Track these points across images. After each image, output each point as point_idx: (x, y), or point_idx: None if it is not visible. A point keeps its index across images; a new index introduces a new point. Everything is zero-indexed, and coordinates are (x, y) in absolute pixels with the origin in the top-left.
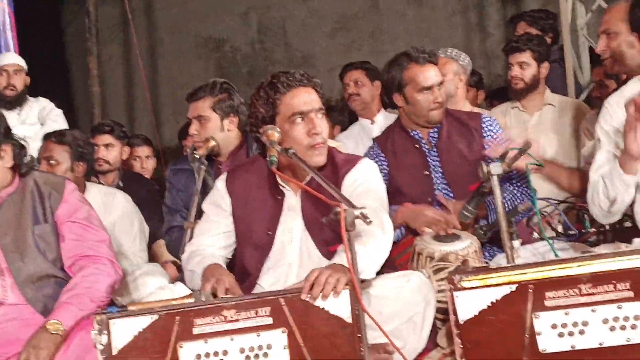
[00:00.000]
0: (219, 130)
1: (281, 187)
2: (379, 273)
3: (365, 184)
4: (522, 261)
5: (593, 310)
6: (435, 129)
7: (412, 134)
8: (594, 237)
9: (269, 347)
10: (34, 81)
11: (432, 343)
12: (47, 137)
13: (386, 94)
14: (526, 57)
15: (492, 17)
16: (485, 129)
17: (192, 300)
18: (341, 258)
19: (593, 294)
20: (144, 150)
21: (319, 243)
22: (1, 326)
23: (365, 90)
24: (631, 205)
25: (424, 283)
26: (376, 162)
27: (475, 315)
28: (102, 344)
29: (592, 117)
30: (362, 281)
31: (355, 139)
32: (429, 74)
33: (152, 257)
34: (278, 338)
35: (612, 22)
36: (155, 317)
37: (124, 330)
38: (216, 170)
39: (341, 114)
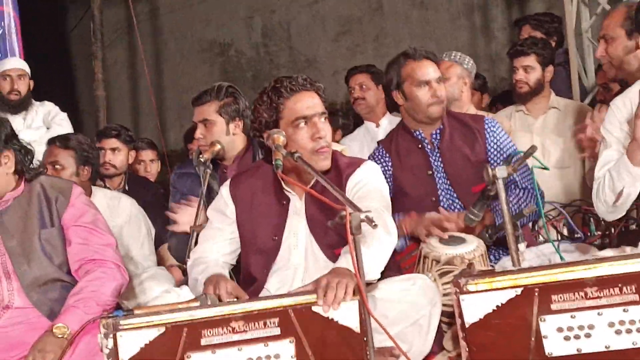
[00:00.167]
0: (225, 134)
1: (286, 192)
2: (383, 276)
3: (368, 186)
4: (527, 263)
5: (599, 314)
6: (438, 130)
7: (415, 134)
8: (599, 240)
9: (276, 357)
10: (39, 85)
11: (438, 346)
12: (52, 141)
13: (386, 94)
14: (531, 60)
15: (496, 20)
16: (488, 131)
17: (197, 303)
18: (346, 260)
19: (599, 297)
20: (147, 154)
21: (323, 246)
22: (7, 329)
23: (371, 94)
24: (637, 208)
25: (429, 286)
26: (380, 164)
27: (481, 318)
28: (108, 348)
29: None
30: (368, 284)
31: (361, 142)
32: (425, 69)
33: (159, 261)
34: (286, 348)
35: (611, 28)
36: (162, 329)
37: (132, 342)
38: (221, 174)
39: (346, 118)
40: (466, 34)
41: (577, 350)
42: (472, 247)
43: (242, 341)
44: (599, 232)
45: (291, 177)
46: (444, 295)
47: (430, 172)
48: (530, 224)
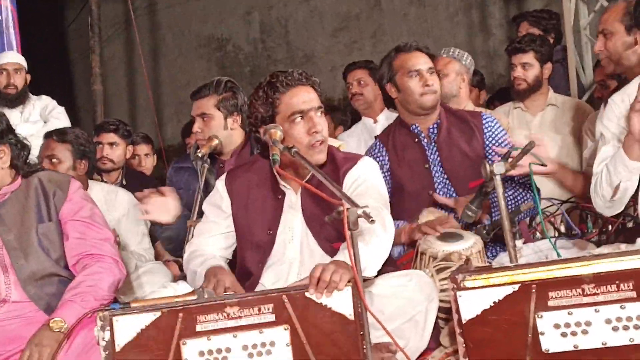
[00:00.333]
0: (223, 129)
1: (282, 186)
2: (380, 272)
3: (366, 182)
4: (525, 260)
5: (596, 311)
6: (435, 124)
7: (411, 129)
8: (596, 237)
9: (271, 344)
10: (36, 79)
11: (434, 342)
12: (49, 135)
13: (381, 88)
14: (529, 57)
15: (494, 17)
16: (486, 126)
17: (194, 297)
18: (344, 255)
19: (596, 294)
20: (142, 148)
21: (320, 240)
22: (4, 323)
23: (369, 90)
24: (634, 205)
25: (426, 282)
26: (378, 159)
27: (478, 314)
28: (104, 340)
29: (595, 117)
30: (365, 279)
31: (358, 138)
32: (416, 59)
33: (155, 256)
34: (281, 335)
35: (609, 23)
36: (158, 314)
37: (127, 327)
38: (219, 169)
39: (344, 114)
40: (464, 31)
41: (574, 346)
42: (470, 244)
43: (237, 327)
44: (596, 229)
45: (288, 172)
46: (441, 291)
47: (427, 166)
48: (527, 220)
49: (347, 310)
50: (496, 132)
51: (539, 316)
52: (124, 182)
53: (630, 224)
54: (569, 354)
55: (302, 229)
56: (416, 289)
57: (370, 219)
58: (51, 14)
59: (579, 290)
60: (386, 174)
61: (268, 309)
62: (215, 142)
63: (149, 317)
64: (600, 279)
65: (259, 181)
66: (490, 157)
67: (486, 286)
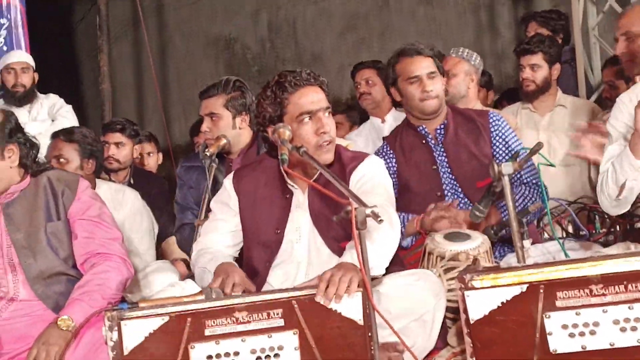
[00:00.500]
0: (231, 128)
1: (289, 186)
2: (387, 271)
3: (372, 180)
4: (532, 261)
5: (604, 311)
6: (442, 125)
7: (418, 130)
8: (603, 237)
9: (280, 348)
10: (44, 78)
11: (442, 342)
12: (56, 135)
13: (387, 91)
14: (538, 59)
15: (502, 17)
16: (493, 125)
17: (202, 297)
18: (350, 255)
19: (604, 294)
20: (145, 147)
21: (327, 240)
22: (12, 322)
23: (377, 89)
24: None
25: (434, 282)
26: (386, 160)
27: (485, 314)
28: (112, 340)
29: (603, 118)
30: (372, 278)
31: (366, 138)
32: (416, 65)
33: (163, 255)
34: (290, 339)
35: (636, 25)
36: (166, 318)
37: (136, 331)
38: (227, 168)
39: (352, 113)
40: (472, 31)
41: (582, 347)
42: (477, 244)
43: (246, 332)
44: (604, 230)
45: (296, 172)
46: (449, 291)
47: (435, 167)
48: (535, 221)
49: (357, 316)
50: (504, 131)
51: (547, 316)
52: (132, 182)
53: (638, 225)
54: (577, 355)
55: (309, 229)
56: (424, 288)
57: (379, 219)
58: (59, 13)
59: (587, 291)
60: (393, 176)
61: (277, 314)
62: (224, 141)
63: (157, 322)
64: (608, 280)
65: (267, 180)
66: (497, 156)
67: (494, 286)
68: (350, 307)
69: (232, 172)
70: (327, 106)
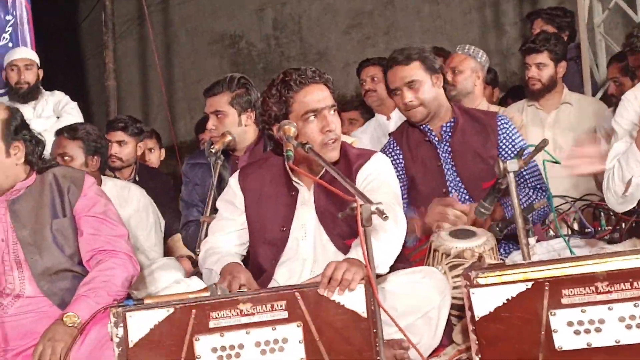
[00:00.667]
0: (237, 125)
1: (295, 183)
2: (392, 269)
3: (378, 178)
4: (537, 258)
5: (610, 308)
6: (449, 123)
7: (422, 127)
8: (609, 235)
9: (284, 340)
10: (50, 75)
11: (447, 339)
12: (60, 132)
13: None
14: (543, 57)
15: (508, 14)
16: (501, 127)
17: (208, 293)
18: (356, 252)
19: (610, 292)
20: (147, 143)
21: (333, 237)
22: (18, 318)
23: (382, 87)
24: None
25: (439, 279)
26: (392, 156)
27: (491, 312)
28: (118, 337)
29: (609, 115)
30: (377, 276)
31: (371, 135)
32: (394, 77)
33: (168, 252)
34: (293, 332)
35: None
36: (171, 310)
37: (140, 323)
38: (233, 165)
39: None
40: (477, 28)
41: (587, 344)
42: (482, 241)
43: (250, 324)
44: (610, 227)
45: (302, 169)
46: (454, 288)
47: (439, 164)
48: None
49: (360, 308)
50: (511, 134)
51: (552, 314)
52: (137, 178)
53: None
54: (582, 352)
55: (315, 226)
56: (429, 285)
57: (384, 216)
58: (65, 10)
59: (593, 288)
60: (400, 172)
61: (281, 306)
62: (229, 138)
63: (162, 313)
64: (614, 277)
65: (272, 178)
66: (503, 158)
67: (499, 283)
68: (353, 299)
69: (238, 171)
70: (332, 104)
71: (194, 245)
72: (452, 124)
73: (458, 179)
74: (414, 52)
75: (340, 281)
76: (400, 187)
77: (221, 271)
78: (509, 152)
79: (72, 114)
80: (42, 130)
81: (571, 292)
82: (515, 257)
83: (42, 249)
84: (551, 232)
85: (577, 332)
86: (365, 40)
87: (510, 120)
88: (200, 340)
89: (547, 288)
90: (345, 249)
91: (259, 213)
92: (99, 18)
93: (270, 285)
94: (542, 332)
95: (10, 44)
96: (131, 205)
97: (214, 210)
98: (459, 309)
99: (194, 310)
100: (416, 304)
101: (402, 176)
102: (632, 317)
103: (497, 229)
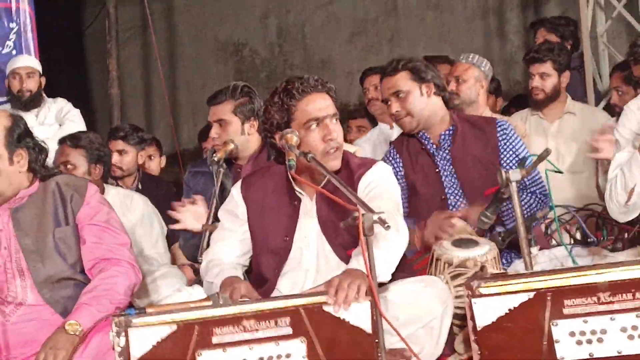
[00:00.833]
0: (240, 134)
1: (297, 193)
2: (395, 278)
3: (379, 187)
4: (540, 267)
5: (612, 319)
6: (449, 131)
7: (419, 136)
8: (611, 244)
9: (287, 356)
10: (53, 82)
11: (449, 349)
12: (62, 141)
13: None
14: (547, 67)
15: (511, 23)
16: (501, 133)
17: (210, 303)
18: (357, 261)
19: (612, 302)
20: (147, 150)
21: (335, 247)
22: (20, 326)
23: None
24: None
25: (441, 288)
26: (393, 164)
27: (493, 321)
28: (120, 346)
29: (611, 125)
30: (379, 285)
31: (374, 143)
32: (382, 88)
33: (171, 260)
34: (297, 348)
35: None
36: (174, 327)
37: (144, 339)
38: (236, 174)
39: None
40: (481, 37)
41: (589, 354)
42: (485, 250)
43: (253, 340)
44: (612, 237)
45: (304, 178)
46: (456, 297)
47: (437, 171)
48: (542, 228)
49: (365, 324)
50: (511, 140)
51: (554, 324)
52: (140, 187)
53: None
54: None
55: (317, 236)
56: (431, 295)
57: (386, 225)
58: (69, 17)
59: (595, 299)
60: (401, 180)
61: (285, 322)
62: (231, 146)
63: (165, 330)
64: (616, 287)
65: (275, 187)
66: (505, 164)
67: (501, 293)
68: (358, 315)
69: (240, 180)
70: (334, 113)
71: (192, 254)
72: (452, 132)
73: (457, 185)
74: (401, 62)
75: (346, 295)
76: (401, 195)
77: (221, 284)
78: (510, 157)
79: (75, 121)
80: (44, 137)
81: (573, 302)
82: (518, 266)
83: (45, 257)
84: (554, 242)
85: (579, 343)
86: (368, 48)
87: (515, 128)
88: (203, 356)
89: (549, 298)
90: (347, 259)
91: (262, 223)
92: (103, 25)
93: (273, 295)
94: (544, 343)
95: (14, 52)
96: (134, 213)
97: (216, 218)
98: (461, 319)
99: (197, 326)
100: (418, 314)
101: (403, 184)
102: (634, 328)
103: (500, 238)
